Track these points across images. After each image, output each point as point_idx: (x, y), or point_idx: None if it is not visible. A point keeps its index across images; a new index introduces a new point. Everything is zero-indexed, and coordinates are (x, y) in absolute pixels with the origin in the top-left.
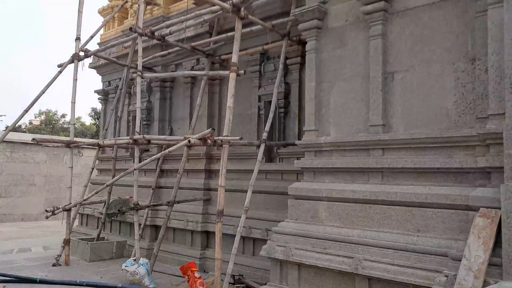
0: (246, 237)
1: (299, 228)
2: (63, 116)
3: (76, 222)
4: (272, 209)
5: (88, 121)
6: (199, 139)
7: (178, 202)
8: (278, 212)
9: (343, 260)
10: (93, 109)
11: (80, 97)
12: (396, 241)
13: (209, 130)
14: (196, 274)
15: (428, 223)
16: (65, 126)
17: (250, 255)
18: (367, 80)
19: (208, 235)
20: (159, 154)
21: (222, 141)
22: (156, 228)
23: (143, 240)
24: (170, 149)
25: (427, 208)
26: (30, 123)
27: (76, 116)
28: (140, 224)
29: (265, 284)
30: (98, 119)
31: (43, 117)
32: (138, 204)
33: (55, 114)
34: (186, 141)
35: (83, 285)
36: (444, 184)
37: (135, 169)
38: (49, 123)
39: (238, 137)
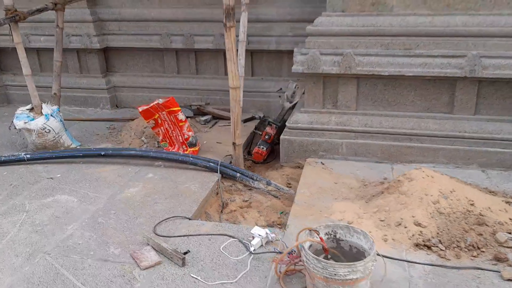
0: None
1: (355, 24)
2: None
3: None
4: None
5: None
6: None
7: (70, 2)
8: None
9: (449, 61)
10: None
11: None
12: None
13: None
14: (181, 116)
15: None
16: None
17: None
18: None
19: (107, 54)
20: None
21: None
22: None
23: None
24: None
25: None
26: None
27: None
28: None
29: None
30: None
31: None
32: (16, 11)
33: None
34: None
35: None
36: None
37: None
38: None
39: None
